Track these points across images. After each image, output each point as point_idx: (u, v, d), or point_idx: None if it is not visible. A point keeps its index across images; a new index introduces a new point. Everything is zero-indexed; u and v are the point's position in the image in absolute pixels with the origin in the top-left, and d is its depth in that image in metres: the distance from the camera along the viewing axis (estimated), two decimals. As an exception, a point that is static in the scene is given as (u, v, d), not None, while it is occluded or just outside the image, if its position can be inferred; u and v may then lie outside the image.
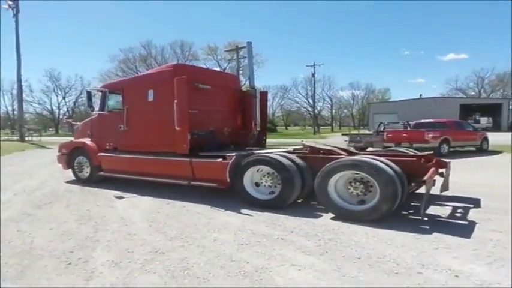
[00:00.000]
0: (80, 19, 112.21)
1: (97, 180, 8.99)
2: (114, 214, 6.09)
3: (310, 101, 77.18)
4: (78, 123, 10.51)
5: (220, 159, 6.73)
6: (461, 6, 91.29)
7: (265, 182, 6.30)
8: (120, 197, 7.43)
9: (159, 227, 5.22)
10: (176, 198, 7.17)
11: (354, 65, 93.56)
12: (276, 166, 6.01)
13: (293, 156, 6.26)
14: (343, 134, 24.07)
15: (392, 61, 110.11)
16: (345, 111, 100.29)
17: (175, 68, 7.61)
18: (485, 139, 19.41)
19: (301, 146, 7.44)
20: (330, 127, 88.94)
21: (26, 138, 33.48)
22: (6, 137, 39.42)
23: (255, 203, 6.23)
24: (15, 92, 58.16)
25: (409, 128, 21.71)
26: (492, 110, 49.44)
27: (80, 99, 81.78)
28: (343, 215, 5.26)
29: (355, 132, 21.93)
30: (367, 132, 20.88)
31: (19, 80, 32.45)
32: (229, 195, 6.91)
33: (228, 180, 6.49)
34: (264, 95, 9.27)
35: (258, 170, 6.37)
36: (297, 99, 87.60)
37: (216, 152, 7.17)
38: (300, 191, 6.00)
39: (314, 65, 62.75)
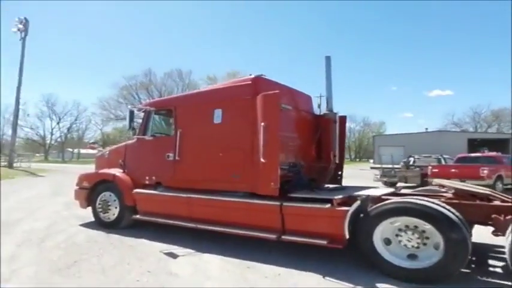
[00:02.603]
0: (79, 43, 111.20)
1: (126, 225, 6.84)
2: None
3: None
4: (104, 149, 8.37)
5: (329, 205, 4.70)
6: (448, 44, 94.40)
7: (405, 239, 4.26)
8: (174, 255, 5.28)
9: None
10: (254, 257, 5.06)
11: (348, 98, 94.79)
12: (437, 220, 4.00)
13: (445, 205, 4.26)
14: (372, 168, 22.21)
15: (382, 96, 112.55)
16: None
17: (255, 82, 5.73)
18: None
19: (431, 187, 5.46)
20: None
21: (15, 165, 30.85)
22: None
23: (394, 272, 4.17)
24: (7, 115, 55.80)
25: (443, 162, 20.07)
26: (499, 144, 48.50)
27: (74, 125, 79.27)
28: None
29: (385, 166, 19.99)
30: (383, 165, 19.16)
31: (17, 103, 30.28)
32: (342, 255, 4.84)
33: (347, 235, 4.43)
34: (343, 120, 7.34)
35: (391, 222, 4.35)
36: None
37: (305, 193, 5.20)
38: None
39: (320, 96, 61.79)
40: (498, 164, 15.96)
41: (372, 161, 53.64)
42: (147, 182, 6.76)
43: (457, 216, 4.02)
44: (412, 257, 4.21)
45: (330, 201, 4.78)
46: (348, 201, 4.86)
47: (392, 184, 18.12)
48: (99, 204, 7.13)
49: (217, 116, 5.91)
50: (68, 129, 79.41)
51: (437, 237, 4.03)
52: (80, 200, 7.55)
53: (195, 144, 6.17)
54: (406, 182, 17.71)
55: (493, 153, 18.70)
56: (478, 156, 17.73)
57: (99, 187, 7.22)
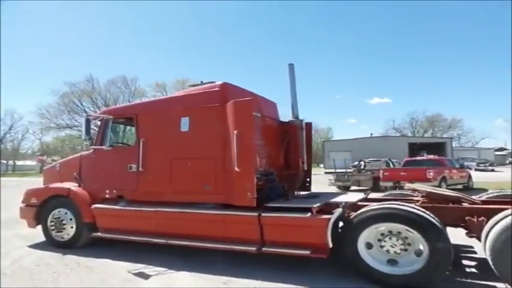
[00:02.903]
0: (12, 46, 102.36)
1: (84, 244, 6.26)
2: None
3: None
4: (53, 161, 7.62)
5: (309, 214, 4.62)
6: (384, 54, 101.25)
7: (388, 245, 4.28)
8: (145, 276, 4.88)
9: None
10: (231, 272, 4.84)
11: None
12: (421, 226, 4.05)
13: (428, 212, 4.32)
14: (326, 173, 22.76)
15: (328, 104, 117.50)
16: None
17: (223, 88, 5.54)
18: (470, 177, 19.26)
19: (399, 191, 5.58)
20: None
21: None
22: None
23: (379, 279, 4.18)
24: None
25: (391, 166, 21.14)
26: (437, 148, 52.40)
27: (8, 135, 72.62)
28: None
29: (338, 170, 20.61)
30: (336, 170, 19.81)
31: None
32: (321, 264, 4.78)
33: (330, 244, 4.36)
34: (309, 126, 7.34)
35: (376, 228, 4.35)
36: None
37: (281, 202, 5.11)
38: None
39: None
40: (442, 166, 17.14)
41: (322, 165, 55.31)
42: (107, 196, 6.24)
43: (439, 223, 4.10)
44: (392, 262, 4.23)
45: (308, 209, 4.69)
46: (325, 208, 4.82)
47: (346, 188, 18.76)
48: (52, 222, 6.43)
49: (184, 124, 5.61)
50: (1, 140, 72.63)
51: (420, 245, 4.09)
52: (27, 218, 6.76)
53: (161, 154, 5.81)
54: (359, 186, 18.38)
55: (437, 157, 20.03)
56: (424, 160, 18.87)
57: (51, 203, 6.53)
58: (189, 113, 5.62)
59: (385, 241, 4.27)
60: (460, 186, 17.71)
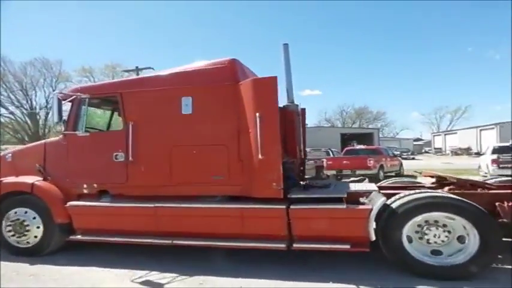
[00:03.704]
0: None
1: (54, 249, 5.21)
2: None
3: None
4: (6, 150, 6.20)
5: (345, 205, 4.23)
6: (313, 48, 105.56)
7: (431, 235, 4.06)
8: (147, 283, 4.10)
9: None
10: (210, 270, 4.32)
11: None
12: (471, 214, 3.90)
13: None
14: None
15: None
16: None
17: (233, 65, 4.86)
18: (401, 165, 20.58)
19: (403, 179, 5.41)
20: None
21: None
22: None
23: (427, 271, 3.96)
24: None
25: (331, 155, 21.79)
26: (365, 138, 56.10)
27: None
28: None
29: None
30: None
31: None
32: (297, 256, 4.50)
33: (373, 237, 4.02)
34: (304, 112, 6.94)
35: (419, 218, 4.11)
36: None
37: (304, 193, 4.68)
38: None
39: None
40: (379, 155, 18.17)
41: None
42: (84, 192, 5.19)
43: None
44: (435, 252, 4.05)
45: (339, 200, 4.32)
46: (349, 198, 4.47)
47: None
48: (9, 225, 5.19)
49: (186, 105, 4.83)
50: None
51: (462, 231, 3.96)
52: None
53: (156, 140, 4.96)
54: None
55: (375, 146, 21.19)
56: (362, 149, 19.76)
57: (5, 202, 5.27)
58: (191, 92, 4.84)
59: (426, 232, 4.06)
60: (393, 174, 18.82)
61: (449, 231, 4.04)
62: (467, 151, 51.38)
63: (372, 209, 4.05)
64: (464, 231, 3.96)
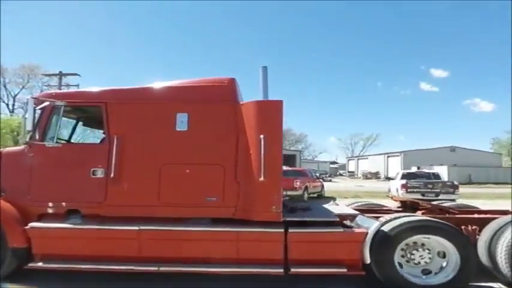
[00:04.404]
0: None
1: (4, 275, 4.41)
2: None
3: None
4: None
5: (342, 228, 4.39)
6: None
7: (417, 256, 4.41)
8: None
9: None
10: None
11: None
12: (452, 236, 4.31)
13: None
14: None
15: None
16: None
17: (232, 85, 4.82)
18: (323, 186, 21.69)
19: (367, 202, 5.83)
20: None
21: None
22: None
23: None
24: None
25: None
26: (289, 159, 58.56)
27: None
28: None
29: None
30: None
31: None
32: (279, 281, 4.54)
33: (368, 260, 4.21)
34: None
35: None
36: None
37: (298, 216, 4.74)
38: None
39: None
40: (305, 176, 18.78)
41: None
42: (49, 211, 4.53)
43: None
44: (424, 272, 4.41)
45: (335, 223, 4.48)
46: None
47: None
48: None
49: (182, 121, 4.59)
50: None
51: (440, 248, 4.38)
52: None
53: (144, 156, 4.58)
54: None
55: (301, 168, 22.11)
56: (289, 170, 20.25)
57: None
58: (187, 108, 4.62)
59: (412, 253, 4.39)
60: (315, 195, 19.60)
61: (428, 249, 4.43)
62: (375, 175, 56.83)
63: (367, 233, 4.26)
64: (442, 247, 4.37)
